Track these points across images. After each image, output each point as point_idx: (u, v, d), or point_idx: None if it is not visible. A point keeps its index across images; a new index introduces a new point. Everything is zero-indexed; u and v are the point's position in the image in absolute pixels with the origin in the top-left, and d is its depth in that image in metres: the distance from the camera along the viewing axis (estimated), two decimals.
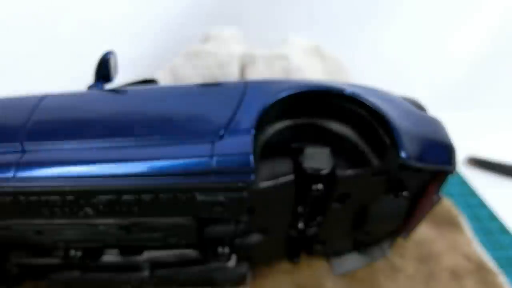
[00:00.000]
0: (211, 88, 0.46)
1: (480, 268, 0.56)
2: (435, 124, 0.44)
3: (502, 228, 0.68)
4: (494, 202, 0.74)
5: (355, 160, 0.46)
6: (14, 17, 1.02)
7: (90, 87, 0.49)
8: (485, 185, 0.79)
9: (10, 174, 0.38)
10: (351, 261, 0.54)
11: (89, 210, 0.41)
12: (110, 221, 0.42)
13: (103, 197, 0.39)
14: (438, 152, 0.41)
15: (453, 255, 0.59)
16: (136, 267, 0.50)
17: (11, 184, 0.38)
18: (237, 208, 0.41)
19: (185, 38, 1.03)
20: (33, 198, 0.39)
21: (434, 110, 0.50)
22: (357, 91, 0.44)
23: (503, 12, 1.05)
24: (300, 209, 0.47)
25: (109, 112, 0.45)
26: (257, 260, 0.54)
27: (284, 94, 0.43)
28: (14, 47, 1.03)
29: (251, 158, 0.38)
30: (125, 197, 0.39)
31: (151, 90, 0.50)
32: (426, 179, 0.43)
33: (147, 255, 0.49)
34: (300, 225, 0.48)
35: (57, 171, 0.38)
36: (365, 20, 1.11)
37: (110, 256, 0.49)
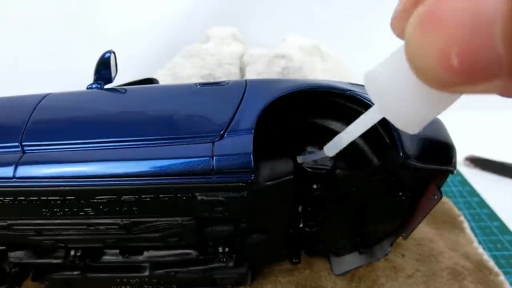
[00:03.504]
0: (211, 88, 0.46)
1: (480, 268, 0.56)
2: (435, 124, 0.44)
3: (502, 228, 0.67)
4: (494, 202, 0.74)
5: (355, 160, 0.46)
6: (15, 16, 1.02)
7: (89, 87, 0.49)
8: (485, 185, 0.79)
9: (9, 174, 0.38)
10: (351, 261, 0.54)
11: (89, 210, 0.41)
12: (110, 221, 0.42)
13: (103, 197, 0.39)
14: (438, 151, 0.41)
15: (453, 255, 0.59)
16: (136, 267, 0.50)
17: (11, 184, 0.38)
18: (237, 208, 0.41)
19: (185, 38, 1.03)
20: (33, 198, 0.39)
21: None
22: (357, 90, 0.44)
23: None
24: (300, 209, 0.47)
25: (108, 112, 0.45)
26: (257, 260, 0.54)
27: (284, 94, 0.43)
28: (14, 47, 1.03)
29: (251, 158, 0.38)
30: (125, 197, 0.39)
31: (151, 90, 0.50)
32: (426, 178, 0.43)
33: (147, 255, 0.49)
34: (300, 225, 0.48)
35: (56, 171, 0.38)
36: (365, 19, 1.11)
37: (110, 256, 0.49)
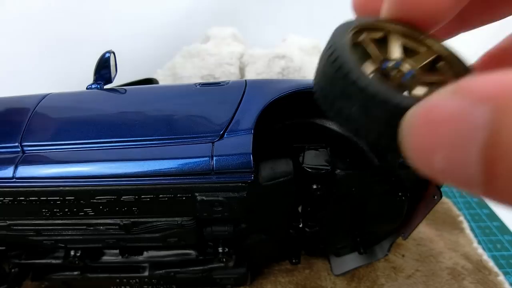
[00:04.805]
0: (211, 88, 0.46)
1: (480, 268, 0.56)
2: None
3: (502, 228, 0.67)
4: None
5: (355, 160, 0.46)
6: (15, 16, 1.02)
7: (89, 87, 0.49)
8: None
9: (9, 174, 0.38)
10: (351, 261, 0.54)
11: (89, 210, 0.41)
12: (110, 221, 0.42)
13: (103, 198, 0.39)
14: None
15: (453, 255, 0.59)
16: (136, 268, 0.50)
17: (11, 184, 0.38)
18: (237, 208, 0.41)
19: (185, 38, 1.03)
20: (32, 198, 0.39)
21: None
22: None
23: None
24: (300, 209, 0.47)
25: (108, 112, 0.45)
26: (257, 260, 0.54)
27: (284, 94, 0.43)
28: (14, 47, 1.03)
29: (251, 158, 0.38)
30: (125, 197, 0.39)
31: (151, 90, 0.50)
32: (426, 178, 0.43)
33: (147, 255, 0.49)
34: (300, 225, 0.48)
35: (56, 171, 0.38)
36: None
37: (110, 257, 0.49)
